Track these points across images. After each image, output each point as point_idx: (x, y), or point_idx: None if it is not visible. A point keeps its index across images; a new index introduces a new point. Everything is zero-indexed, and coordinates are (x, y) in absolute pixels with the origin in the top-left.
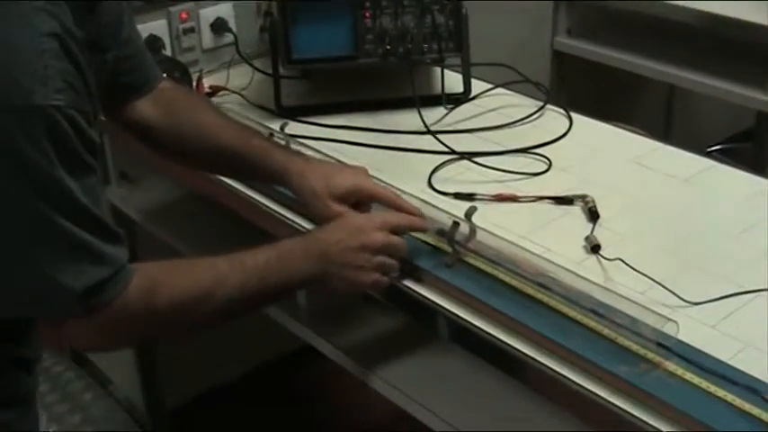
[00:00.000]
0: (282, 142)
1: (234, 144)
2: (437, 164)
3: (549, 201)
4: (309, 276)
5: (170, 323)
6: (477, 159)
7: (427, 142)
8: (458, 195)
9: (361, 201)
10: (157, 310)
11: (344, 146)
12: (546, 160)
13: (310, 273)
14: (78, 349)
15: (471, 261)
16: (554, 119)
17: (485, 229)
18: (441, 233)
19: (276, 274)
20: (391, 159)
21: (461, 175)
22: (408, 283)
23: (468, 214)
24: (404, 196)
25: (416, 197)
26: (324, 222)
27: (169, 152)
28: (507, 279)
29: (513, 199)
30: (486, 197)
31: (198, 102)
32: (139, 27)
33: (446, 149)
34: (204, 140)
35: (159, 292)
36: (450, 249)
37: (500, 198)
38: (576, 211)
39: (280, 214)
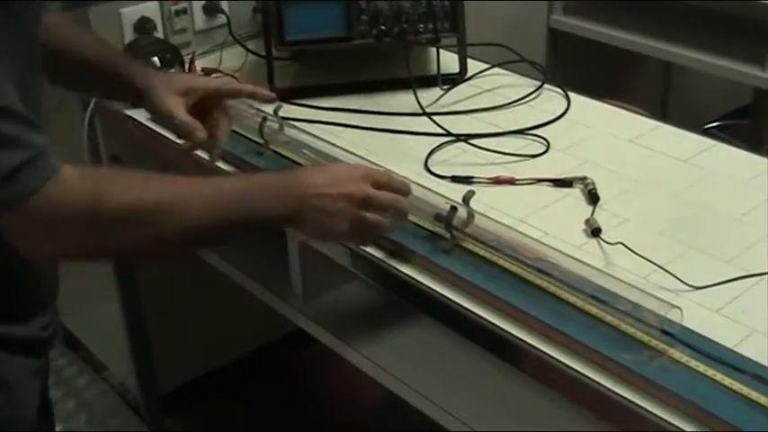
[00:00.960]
0: (276, 125)
1: (92, 55)
2: (433, 146)
3: (548, 183)
4: (280, 216)
5: (120, 230)
6: (473, 141)
7: (423, 124)
8: (455, 179)
9: (206, 99)
10: (104, 212)
11: (338, 128)
12: (544, 141)
13: (282, 212)
14: (24, 251)
15: (469, 246)
16: (551, 98)
17: (483, 214)
18: (438, 218)
19: (244, 206)
20: (386, 142)
21: (458, 158)
22: (405, 269)
23: (466, 198)
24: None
25: (413, 181)
26: (160, 115)
27: (50, 74)
28: (506, 265)
29: (511, 182)
30: (483, 180)
31: (67, 24)
32: (131, 9)
33: (442, 131)
34: (71, 55)
35: (109, 193)
36: (447, 235)
37: (498, 181)
38: (576, 193)
39: None
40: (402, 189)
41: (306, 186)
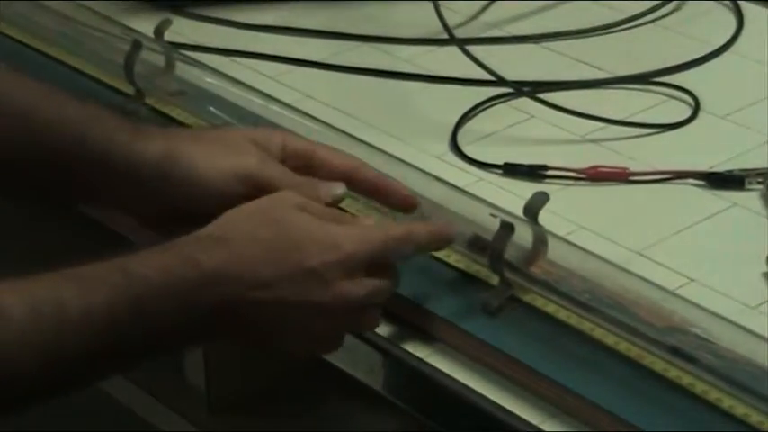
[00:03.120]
0: (159, 60)
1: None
2: (469, 107)
3: (695, 181)
4: (201, 334)
5: None
6: (546, 96)
7: (448, 62)
8: (509, 169)
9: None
10: None
11: (281, 67)
12: (687, 99)
13: (203, 330)
14: None
15: (538, 302)
16: (703, 14)
17: (565, 240)
18: (476, 244)
19: (123, 337)
20: (376, 97)
21: (517, 129)
22: (414, 349)
23: (533, 208)
24: (396, 172)
25: (427, 173)
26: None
27: None
28: (611, 341)
29: (621, 177)
30: (566, 173)
31: None
32: None
33: (488, 77)
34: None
35: None
36: (494, 278)
37: (595, 175)
38: (750, 200)
39: None
40: (445, 240)
41: (243, 288)
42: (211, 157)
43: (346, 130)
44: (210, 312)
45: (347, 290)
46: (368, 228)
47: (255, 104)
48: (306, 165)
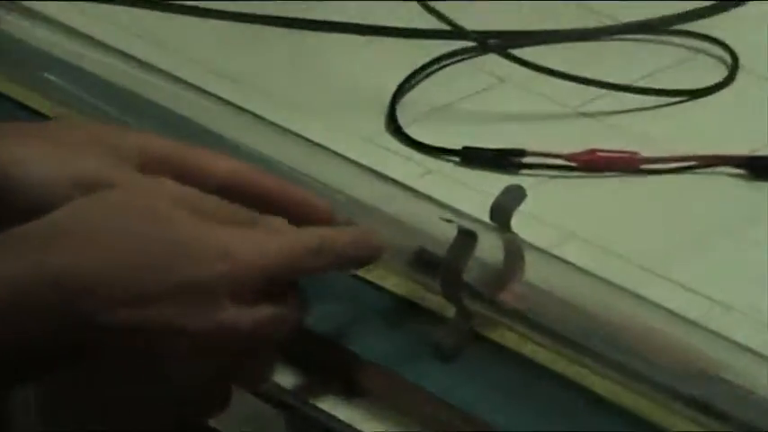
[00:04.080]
0: None
1: None
2: (412, 69)
3: (731, 168)
4: (34, 365)
5: None
6: (521, 52)
7: (391, 16)
8: (470, 156)
9: None
10: None
11: (149, 16)
12: (721, 54)
13: (37, 358)
14: None
15: (509, 341)
16: None
17: (548, 253)
18: (422, 261)
19: None
20: (286, 56)
21: (481, 99)
22: (331, 407)
23: (503, 210)
24: (309, 162)
25: (354, 163)
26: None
27: None
28: (612, 393)
29: (629, 165)
30: (549, 160)
31: None
32: None
33: (441, 26)
34: None
35: None
36: (450, 307)
37: (592, 163)
38: None
39: None
40: (368, 253)
41: (78, 300)
42: (41, 161)
43: (240, 104)
44: (44, 335)
45: (233, 318)
46: (270, 234)
47: (113, 69)
48: (175, 175)
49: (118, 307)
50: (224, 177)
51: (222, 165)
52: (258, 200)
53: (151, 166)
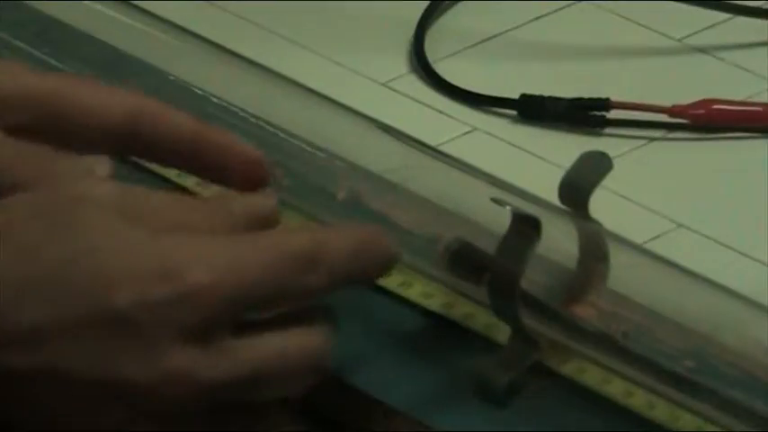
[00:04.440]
0: None
1: None
2: None
3: None
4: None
5: None
6: None
7: None
8: (530, 106)
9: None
10: None
11: None
12: None
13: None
14: None
15: (588, 377)
16: None
17: (647, 251)
18: (464, 261)
19: None
20: None
21: (543, 26)
22: None
23: (580, 187)
24: (304, 114)
25: (367, 118)
26: None
27: None
28: None
29: (758, 122)
30: (646, 116)
31: None
32: None
33: None
34: None
35: None
36: (503, 328)
37: (708, 119)
38: None
39: None
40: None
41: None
42: None
43: (214, 40)
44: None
45: (186, 365)
46: (236, 242)
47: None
48: (58, 130)
49: (16, 344)
50: (117, 124)
51: (117, 107)
52: (161, 150)
53: (17, 109)
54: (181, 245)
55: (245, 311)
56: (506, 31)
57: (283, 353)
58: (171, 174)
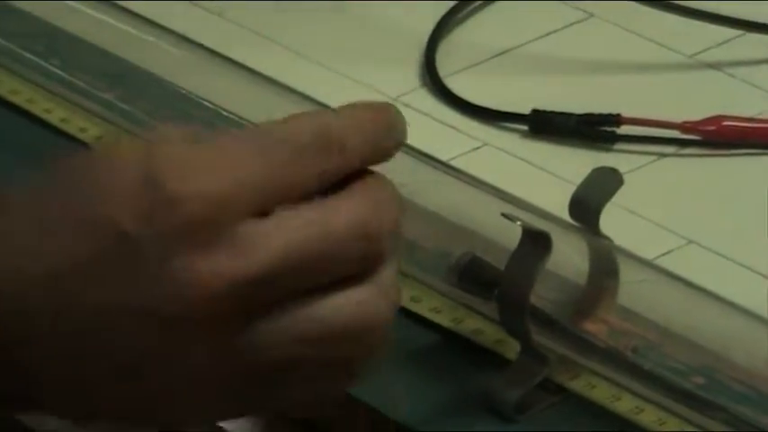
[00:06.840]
0: None
1: None
2: None
3: None
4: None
5: None
6: None
7: None
8: (541, 121)
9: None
10: None
11: None
12: None
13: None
14: None
15: (599, 394)
16: None
17: (657, 266)
18: (473, 275)
19: None
20: None
21: (557, 40)
22: None
23: (590, 203)
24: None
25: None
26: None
27: None
28: None
29: None
30: (656, 133)
31: None
32: None
33: None
34: None
35: None
36: (513, 344)
37: (719, 134)
38: None
39: None
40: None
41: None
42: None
43: (224, 53)
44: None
45: (210, 266)
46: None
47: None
48: None
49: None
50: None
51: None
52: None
53: None
54: (170, 153)
55: (263, 204)
56: (517, 46)
57: (325, 223)
58: None
